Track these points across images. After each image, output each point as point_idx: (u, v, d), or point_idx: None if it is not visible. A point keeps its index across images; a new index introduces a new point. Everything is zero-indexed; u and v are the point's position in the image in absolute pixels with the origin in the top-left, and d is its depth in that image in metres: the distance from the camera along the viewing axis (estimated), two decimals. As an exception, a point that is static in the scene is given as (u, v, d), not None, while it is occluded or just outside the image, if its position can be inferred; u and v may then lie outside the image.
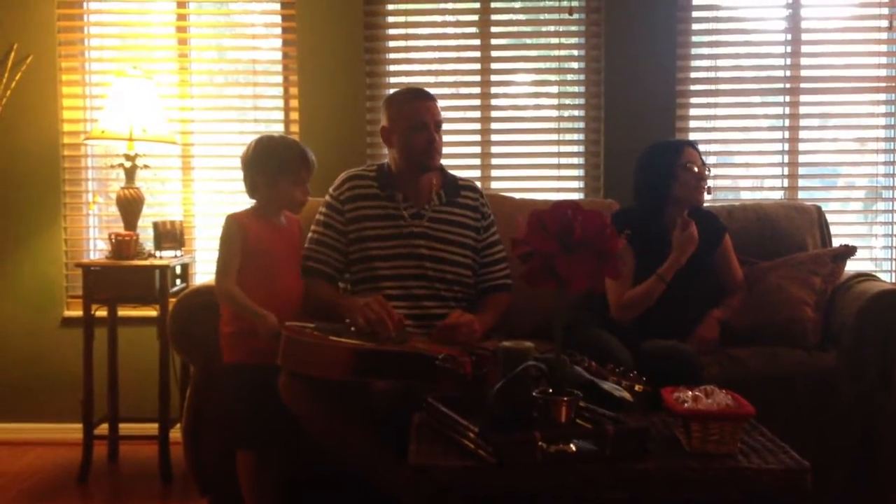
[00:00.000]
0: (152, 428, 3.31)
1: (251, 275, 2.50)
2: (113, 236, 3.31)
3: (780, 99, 3.83)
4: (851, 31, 3.80)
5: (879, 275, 3.34)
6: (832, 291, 2.95)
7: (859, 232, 3.90)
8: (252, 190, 2.62)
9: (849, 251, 3.02)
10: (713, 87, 3.82)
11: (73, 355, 3.48)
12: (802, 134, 3.82)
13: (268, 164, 2.59)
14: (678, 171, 2.87)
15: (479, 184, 3.04)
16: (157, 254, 3.38)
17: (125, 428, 3.51)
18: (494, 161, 3.89)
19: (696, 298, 2.89)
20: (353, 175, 2.81)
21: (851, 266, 3.11)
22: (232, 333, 2.49)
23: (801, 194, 3.83)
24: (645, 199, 2.96)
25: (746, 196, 3.89)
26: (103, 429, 3.46)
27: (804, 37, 3.78)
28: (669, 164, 2.88)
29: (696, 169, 2.87)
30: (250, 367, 2.42)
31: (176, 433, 2.99)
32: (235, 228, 2.53)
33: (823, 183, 3.96)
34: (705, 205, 3.01)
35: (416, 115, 2.69)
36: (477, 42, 3.86)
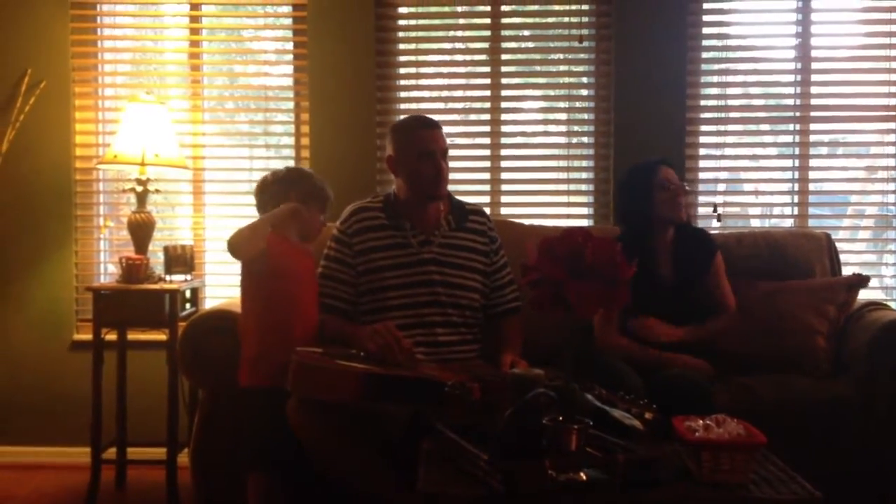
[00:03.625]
0: (160, 452, 3.29)
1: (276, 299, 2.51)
2: (123, 260, 3.32)
3: (790, 127, 3.83)
4: (861, 60, 3.81)
5: (890, 303, 3.32)
6: (844, 320, 2.94)
7: (869, 260, 3.89)
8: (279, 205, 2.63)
9: (862, 280, 3.01)
10: (723, 114, 3.83)
11: (82, 379, 3.48)
12: (812, 162, 3.82)
13: (301, 184, 2.68)
14: (654, 190, 2.87)
15: (486, 209, 3.04)
16: (168, 278, 3.39)
17: (133, 452, 3.50)
18: (504, 187, 3.90)
19: (687, 320, 2.87)
20: (360, 207, 2.82)
21: (862, 294, 3.09)
22: (255, 357, 2.49)
23: (811, 222, 3.82)
24: (629, 222, 2.96)
25: (756, 223, 3.88)
26: (111, 453, 3.46)
27: (814, 65, 3.80)
28: (645, 184, 2.89)
29: (671, 186, 2.87)
30: (268, 389, 2.41)
31: (184, 458, 2.98)
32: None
33: (833, 211, 3.95)
34: (713, 231, 3.00)
35: (422, 143, 2.70)
36: (487, 69, 3.88)
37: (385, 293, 2.70)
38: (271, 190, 2.70)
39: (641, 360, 2.72)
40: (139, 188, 3.41)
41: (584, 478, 1.77)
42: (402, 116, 3.83)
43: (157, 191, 3.51)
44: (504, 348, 2.69)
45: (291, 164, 3.85)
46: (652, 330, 2.77)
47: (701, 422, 1.93)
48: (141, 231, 3.39)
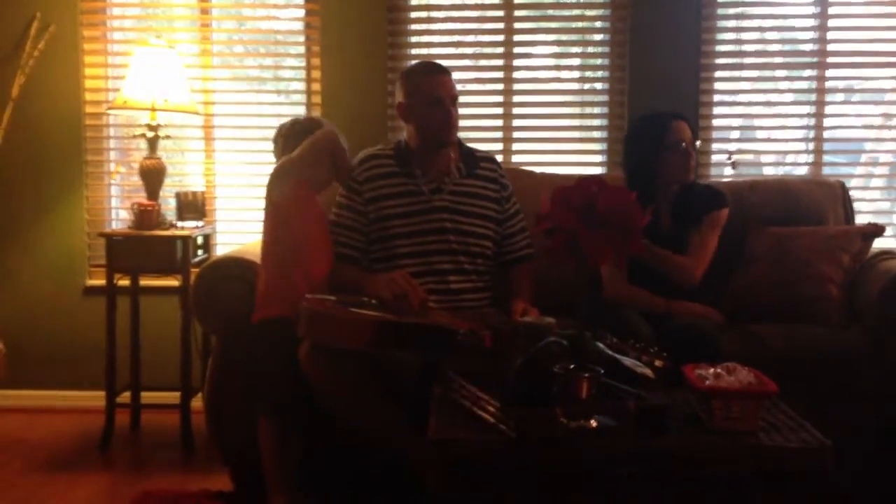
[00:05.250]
0: (174, 397, 3.34)
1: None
2: (135, 206, 3.32)
3: (806, 73, 3.77)
4: (879, 4, 3.73)
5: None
6: (857, 270, 2.93)
7: (882, 208, 3.86)
8: None
9: (878, 230, 2.98)
10: (738, 60, 3.77)
11: (95, 324, 3.51)
12: (829, 109, 3.76)
13: (334, 130, 2.68)
14: (664, 150, 2.80)
15: (498, 157, 3.02)
16: (179, 224, 3.39)
17: (147, 396, 3.54)
18: (516, 135, 3.86)
19: None
20: (371, 155, 2.80)
21: (874, 242, 3.06)
22: (263, 292, 2.49)
23: (826, 170, 3.78)
24: (634, 175, 2.90)
25: (769, 171, 3.85)
26: (125, 397, 3.50)
27: (832, 10, 3.72)
28: (655, 141, 2.82)
29: (683, 146, 2.80)
30: (282, 321, 2.40)
31: (198, 402, 3.01)
32: None
33: (848, 159, 3.90)
34: (726, 179, 2.95)
35: (431, 89, 2.67)
36: (499, 13, 3.81)
37: (395, 241, 2.69)
38: (290, 139, 2.68)
39: (649, 308, 2.72)
40: (150, 134, 3.40)
41: (595, 425, 1.78)
42: (413, 62, 3.80)
43: (168, 136, 3.50)
44: (515, 296, 2.69)
45: (302, 109, 3.83)
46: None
47: (711, 370, 1.93)
48: (152, 177, 3.39)
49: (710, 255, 2.84)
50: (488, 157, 2.90)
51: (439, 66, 2.77)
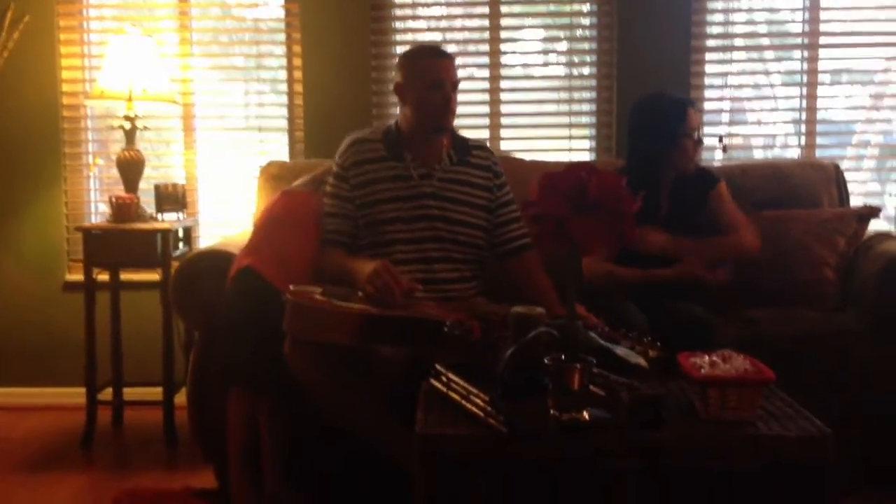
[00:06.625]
0: (157, 392, 3.28)
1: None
2: (113, 199, 3.25)
3: (797, 54, 3.72)
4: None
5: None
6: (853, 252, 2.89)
7: (873, 190, 3.82)
8: None
9: (874, 211, 2.95)
10: (728, 42, 3.72)
11: (75, 320, 3.43)
12: (820, 91, 3.71)
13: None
14: (680, 139, 2.75)
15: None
16: (160, 217, 3.33)
17: (129, 393, 3.48)
18: (503, 121, 3.80)
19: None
20: (358, 139, 2.73)
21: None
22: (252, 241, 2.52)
23: (819, 152, 3.74)
24: (640, 160, 2.83)
25: (759, 154, 3.80)
26: (107, 393, 3.44)
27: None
28: (674, 129, 2.75)
29: (696, 135, 2.78)
30: (244, 271, 2.41)
31: (181, 398, 2.94)
32: None
33: (840, 140, 3.86)
34: (717, 163, 2.92)
35: (433, 73, 2.60)
36: (486, -2, 3.76)
37: (384, 226, 2.63)
38: None
39: (627, 280, 2.67)
40: (127, 125, 3.33)
41: (587, 417, 1.72)
42: (397, 48, 3.75)
43: (146, 128, 3.43)
44: (548, 299, 2.52)
45: (284, 98, 3.75)
46: (642, 238, 2.64)
47: (707, 358, 1.88)
48: (130, 169, 3.32)
49: (745, 219, 2.82)
50: (481, 146, 2.83)
51: (443, 49, 2.70)
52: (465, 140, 2.80)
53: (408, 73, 2.64)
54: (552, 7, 3.80)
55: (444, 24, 3.82)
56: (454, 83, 2.63)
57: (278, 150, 3.80)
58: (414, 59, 2.67)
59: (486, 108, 3.79)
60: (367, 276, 2.32)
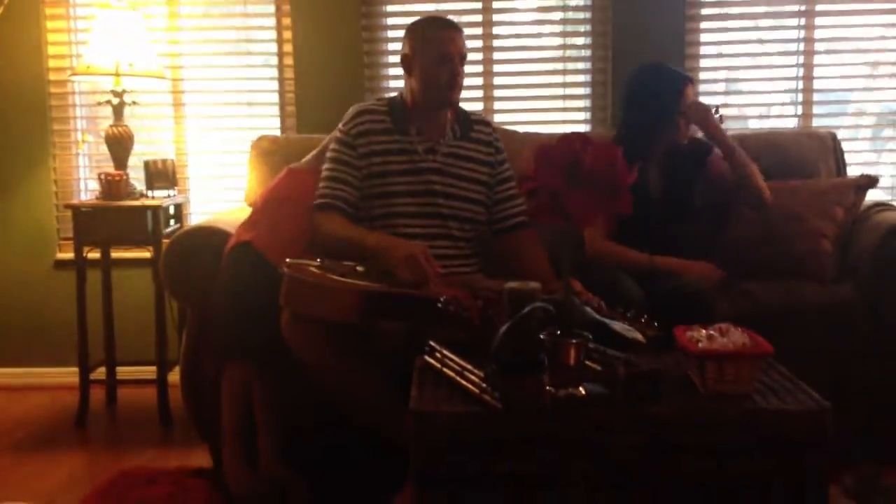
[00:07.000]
0: (151, 371, 3.26)
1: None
2: (102, 176, 3.21)
3: (793, 23, 3.67)
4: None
5: (894, 203, 3.23)
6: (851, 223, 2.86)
7: (869, 160, 3.79)
8: None
9: (871, 181, 2.92)
10: (724, 10, 3.66)
11: (67, 299, 3.40)
12: (817, 59, 3.67)
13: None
14: (677, 117, 2.75)
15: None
16: (150, 193, 3.29)
17: (123, 371, 3.46)
18: (497, 93, 3.75)
19: (685, 234, 2.81)
20: (364, 109, 2.68)
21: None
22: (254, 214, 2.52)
23: (815, 122, 3.70)
24: (635, 132, 2.79)
25: (754, 124, 3.77)
26: (101, 373, 3.42)
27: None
28: (672, 105, 2.75)
29: (688, 114, 2.77)
30: (240, 246, 2.41)
31: (175, 376, 2.92)
32: None
33: (837, 109, 3.82)
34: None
35: (441, 45, 2.55)
36: (478, -32, 3.69)
37: (393, 198, 2.58)
38: None
39: (633, 264, 2.65)
40: (115, 100, 3.28)
41: (584, 392, 1.71)
42: (388, 20, 3.69)
43: (135, 103, 3.38)
44: (545, 276, 2.45)
45: (275, 72, 3.70)
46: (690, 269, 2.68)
47: (704, 331, 1.86)
48: (119, 145, 3.28)
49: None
50: (483, 120, 2.79)
51: (451, 21, 2.65)
52: (467, 114, 2.76)
53: (416, 45, 2.59)
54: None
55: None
56: (462, 56, 2.59)
57: (269, 124, 3.75)
58: (422, 30, 2.61)
59: (479, 80, 3.74)
60: (403, 260, 2.27)
